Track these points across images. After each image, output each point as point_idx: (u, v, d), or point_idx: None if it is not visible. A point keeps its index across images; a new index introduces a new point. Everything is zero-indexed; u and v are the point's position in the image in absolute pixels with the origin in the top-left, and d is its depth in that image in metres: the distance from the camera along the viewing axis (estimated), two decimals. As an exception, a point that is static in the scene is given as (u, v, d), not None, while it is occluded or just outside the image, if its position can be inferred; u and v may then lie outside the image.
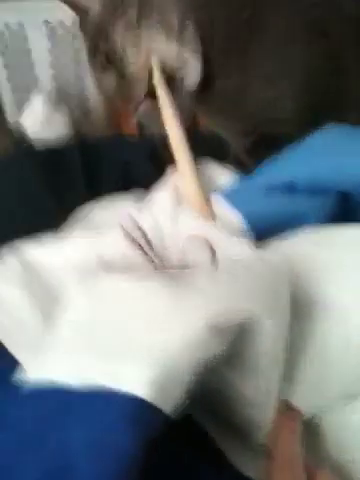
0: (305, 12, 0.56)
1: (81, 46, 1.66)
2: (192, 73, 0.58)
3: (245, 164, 0.71)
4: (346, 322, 0.36)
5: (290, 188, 0.45)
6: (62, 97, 1.74)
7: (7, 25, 1.63)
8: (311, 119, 0.51)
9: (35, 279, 0.44)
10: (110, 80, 0.65)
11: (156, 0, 0.56)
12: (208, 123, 0.70)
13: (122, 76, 0.62)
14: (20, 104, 1.72)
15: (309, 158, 0.46)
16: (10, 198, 0.71)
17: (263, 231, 0.44)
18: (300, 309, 0.36)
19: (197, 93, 0.62)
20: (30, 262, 0.46)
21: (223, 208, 0.46)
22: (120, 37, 0.59)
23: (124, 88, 0.63)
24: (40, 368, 0.30)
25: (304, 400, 0.36)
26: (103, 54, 0.64)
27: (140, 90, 0.61)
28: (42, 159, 0.76)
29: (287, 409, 0.35)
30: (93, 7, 0.65)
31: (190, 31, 0.56)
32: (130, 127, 1.67)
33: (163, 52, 0.57)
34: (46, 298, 0.42)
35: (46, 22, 1.63)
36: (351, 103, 0.59)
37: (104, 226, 0.50)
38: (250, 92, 0.60)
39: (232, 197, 0.46)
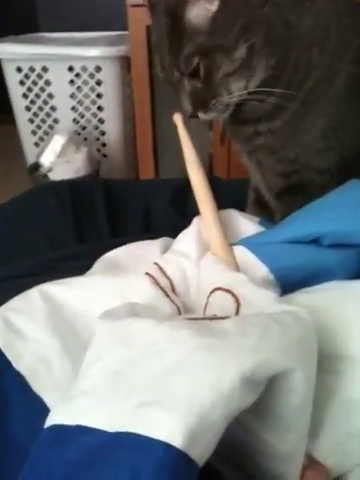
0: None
1: (103, 90, 1.71)
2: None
3: (267, 208, 0.72)
4: None
5: (315, 241, 0.46)
6: (82, 139, 1.78)
7: (32, 68, 1.69)
8: (346, 173, 0.53)
9: (62, 321, 0.45)
10: None
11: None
12: (247, 161, 0.72)
13: None
14: (40, 145, 1.77)
15: (335, 212, 0.47)
16: (35, 232, 0.72)
17: (289, 283, 0.45)
18: (326, 363, 0.36)
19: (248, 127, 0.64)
20: (57, 303, 0.46)
21: (248, 259, 0.47)
22: None
23: None
24: (71, 412, 0.30)
25: (330, 457, 0.36)
26: None
27: None
28: (66, 193, 0.78)
29: (313, 464, 0.35)
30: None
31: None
32: (148, 171, 1.71)
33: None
34: (73, 341, 0.43)
35: (70, 68, 1.70)
36: None
37: (129, 271, 0.51)
38: (300, 139, 0.62)
39: (257, 248, 0.47)
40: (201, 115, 0.61)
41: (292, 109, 0.60)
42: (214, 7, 0.55)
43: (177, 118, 0.59)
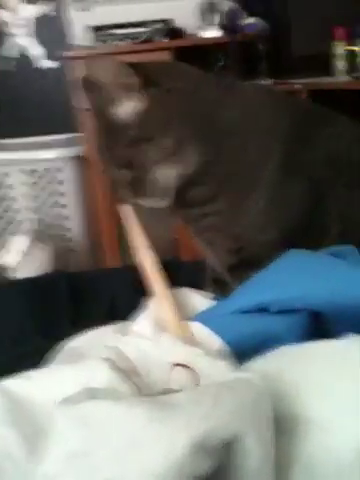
0: (297, 157, 0.66)
1: (65, 190, 1.78)
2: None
3: (225, 284, 0.75)
4: (330, 436, 0.36)
5: (263, 310, 0.48)
6: (47, 237, 1.82)
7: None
8: (292, 245, 0.56)
9: (22, 415, 0.45)
10: None
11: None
12: (198, 240, 0.75)
13: None
14: (2, 246, 1.79)
15: (278, 281, 0.49)
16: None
17: (243, 352, 0.47)
18: (283, 425, 0.37)
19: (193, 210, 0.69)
20: (17, 398, 0.46)
21: (203, 333, 0.49)
22: None
23: None
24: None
25: None
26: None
27: None
28: (29, 289, 0.79)
29: None
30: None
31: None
32: (115, 260, 1.74)
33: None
34: (33, 432, 0.43)
35: (32, 170, 1.77)
36: (326, 235, 0.66)
37: (89, 357, 0.52)
38: (243, 216, 0.67)
39: (210, 322, 0.49)
40: (142, 202, 0.66)
41: (228, 197, 0.66)
42: (142, 104, 0.61)
43: (123, 209, 0.63)
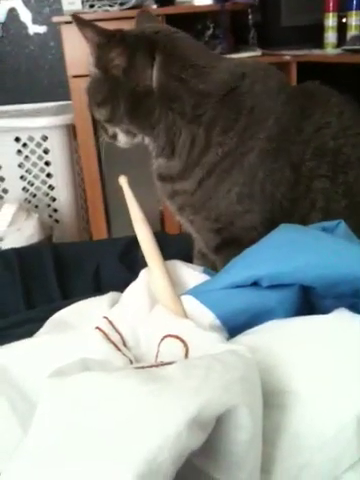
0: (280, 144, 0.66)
1: (52, 159, 1.75)
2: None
3: (212, 261, 0.75)
4: (315, 409, 0.37)
5: (254, 284, 0.48)
6: (33, 207, 1.79)
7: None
8: (275, 225, 0.56)
9: (10, 385, 0.45)
10: None
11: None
12: (181, 220, 0.76)
13: None
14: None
15: (269, 254, 0.49)
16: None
17: (235, 326, 0.47)
18: (271, 399, 0.37)
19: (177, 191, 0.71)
20: (5, 367, 0.46)
21: (196, 307, 0.49)
22: None
23: None
24: (21, 476, 0.30)
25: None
26: None
27: None
28: (14, 261, 0.78)
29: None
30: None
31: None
32: (101, 233, 1.72)
33: None
34: (21, 404, 0.43)
35: (16, 138, 1.73)
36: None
37: (79, 328, 0.52)
38: (217, 203, 0.68)
39: (203, 296, 0.49)
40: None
41: (198, 176, 0.68)
42: (94, 75, 0.71)
43: (122, 180, 0.62)
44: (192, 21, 1.73)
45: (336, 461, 0.36)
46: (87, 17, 1.66)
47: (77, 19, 0.66)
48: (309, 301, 0.48)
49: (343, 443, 0.36)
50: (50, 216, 1.87)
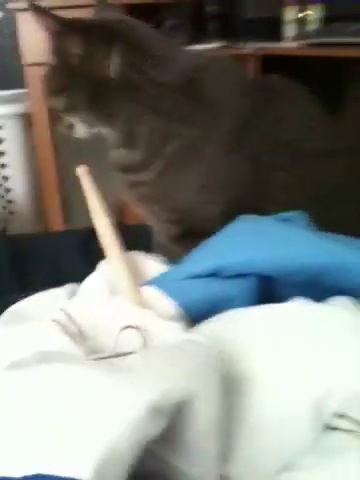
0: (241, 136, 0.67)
1: (6, 149, 1.70)
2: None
3: (171, 252, 0.75)
4: (275, 394, 0.38)
5: (216, 274, 0.48)
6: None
7: None
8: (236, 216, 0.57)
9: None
10: None
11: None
12: (140, 211, 0.76)
13: None
14: None
15: (227, 246, 0.50)
16: None
17: (197, 316, 0.47)
18: (231, 386, 0.38)
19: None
20: None
21: (158, 297, 0.49)
22: None
23: None
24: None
25: (245, 477, 0.37)
26: None
27: None
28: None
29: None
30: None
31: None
32: (57, 224, 1.70)
33: None
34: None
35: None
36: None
37: (36, 321, 0.50)
38: (176, 193, 0.68)
39: (164, 286, 0.49)
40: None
41: (158, 167, 0.68)
42: (51, 63, 0.69)
43: (80, 170, 0.61)
44: (152, 12, 1.72)
45: (294, 445, 0.36)
46: (44, 4, 1.62)
47: (34, 7, 0.64)
48: (268, 289, 0.49)
49: (300, 427, 0.36)
50: (4, 208, 1.82)
